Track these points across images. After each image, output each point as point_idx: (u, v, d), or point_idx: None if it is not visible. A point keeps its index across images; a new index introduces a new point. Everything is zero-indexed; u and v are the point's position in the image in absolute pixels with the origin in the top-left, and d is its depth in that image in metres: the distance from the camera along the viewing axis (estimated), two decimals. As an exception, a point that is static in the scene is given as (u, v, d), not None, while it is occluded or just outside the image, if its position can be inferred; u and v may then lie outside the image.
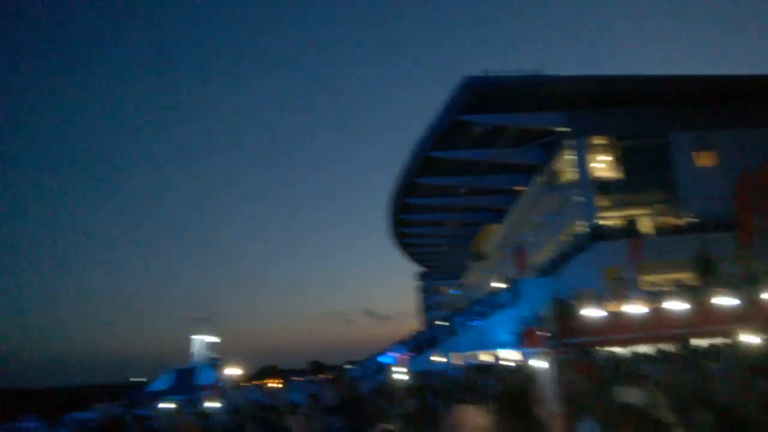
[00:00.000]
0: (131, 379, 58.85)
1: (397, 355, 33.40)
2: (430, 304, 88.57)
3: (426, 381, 15.21)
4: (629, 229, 28.22)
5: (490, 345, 28.72)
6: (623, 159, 31.64)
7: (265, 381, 45.21)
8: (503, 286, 38.38)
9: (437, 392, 9.20)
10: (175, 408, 13.30)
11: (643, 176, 31.16)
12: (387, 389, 12.21)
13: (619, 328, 14.37)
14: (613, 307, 17.54)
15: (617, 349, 15.64)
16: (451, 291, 75.90)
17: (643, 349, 15.43)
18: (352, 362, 64.02)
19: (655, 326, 14.36)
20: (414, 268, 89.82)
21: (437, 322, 40.45)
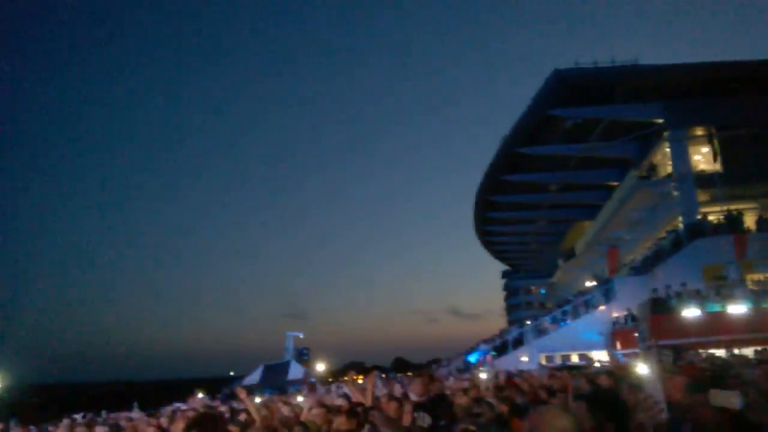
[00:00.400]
0: (231, 373, 61.92)
1: (482, 353, 33.15)
2: (515, 303, 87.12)
3: (511, 381, 14.98)
4: (732, 225, 26.56)
5: (579, 345, 27.96)
6: (726, 150, 29.78)
7: (354, 377, 46.06)
8: (594, 285, 37.27)
9: (522, 392, 9.03)
10: (264, 402, 13.77)
11: (748, 168, 29.21)
12: (471, 388, 12.12)
13: (719, 329, 13.53)
14: (712, 307, 16.62)
15: (716, 351, 14.85)
16: (541, 290, 74.53)
17: (745, 351, 14.54)
18: (437, 360, 64.12)
19: (760, 327, 13.43)
20: (500, 266, 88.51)
21: (527, 321, 39.80)
